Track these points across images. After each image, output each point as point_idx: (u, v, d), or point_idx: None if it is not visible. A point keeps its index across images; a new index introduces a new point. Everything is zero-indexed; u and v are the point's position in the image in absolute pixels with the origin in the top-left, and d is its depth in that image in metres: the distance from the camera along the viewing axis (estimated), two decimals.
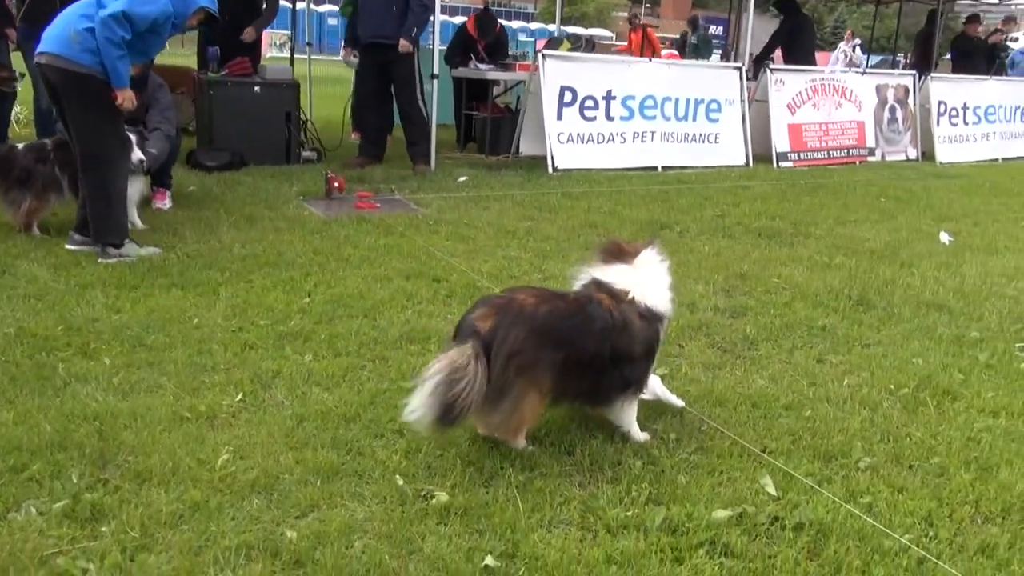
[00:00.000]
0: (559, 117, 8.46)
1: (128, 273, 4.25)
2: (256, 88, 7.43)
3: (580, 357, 2.56)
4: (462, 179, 7.59)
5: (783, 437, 2.84)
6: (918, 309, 4.43)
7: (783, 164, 9.77)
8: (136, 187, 5.08)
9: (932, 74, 11.37)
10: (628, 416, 2.75)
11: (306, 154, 7.89)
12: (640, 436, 2.78)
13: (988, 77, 12.02)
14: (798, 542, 2.21)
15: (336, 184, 6.45)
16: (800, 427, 2.93)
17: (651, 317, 2.68)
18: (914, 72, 11.45)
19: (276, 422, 2.73)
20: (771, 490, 2.45)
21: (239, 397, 2.90)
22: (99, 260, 4.45)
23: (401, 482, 2.38)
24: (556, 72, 8.40)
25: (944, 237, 6.25)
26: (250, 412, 2.81)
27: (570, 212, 6.45)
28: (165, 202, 5.83)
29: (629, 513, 2.28)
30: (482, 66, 8.96)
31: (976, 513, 2.43)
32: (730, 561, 2.11)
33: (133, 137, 4.97)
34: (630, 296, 2.66)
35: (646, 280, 2.72)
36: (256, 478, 2.38)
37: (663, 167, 8.91)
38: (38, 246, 4.68)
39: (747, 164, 9.54)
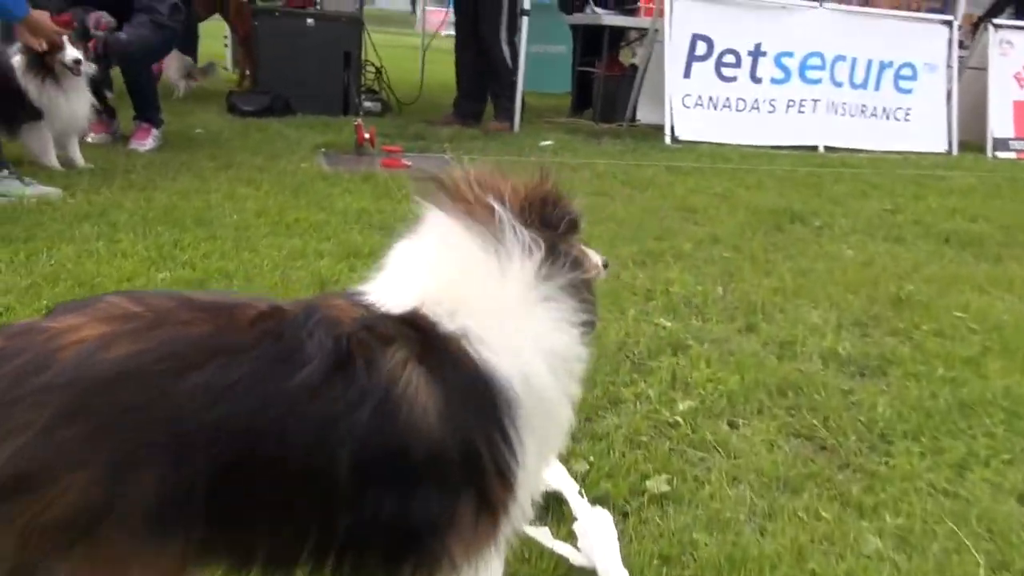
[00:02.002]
0: (686, 74, 6.57)
1: None
2: (309, 21, 6.20)
3: (258, 467, 0.93)
4: (545, 143, 5.97)
5: None
6: None
7: (1002, 154, 7.21)
8: (75, 105, 3.92)
9: None
10: None
11: (368, 105, 6.58)
12: None
13: None
14: None
15: (367, 136, 5.06)
16: None
17: (477, 374, 1.01)
18: None
19: None
20: None
21: None
22: None
23: None
24: (687, 16, 6.50)
25: None
26: None
27: (664, 191, 4.65)
28: (145, 142, 4.69)
29: None
30: (599, 10, 7.22)
31: None
32: None
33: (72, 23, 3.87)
34: (420, 313, 1.04)
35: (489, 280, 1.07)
36: None
37: (826, 147, 6.75)
38: None
39: (948, 151, 7.11)
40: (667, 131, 6.39)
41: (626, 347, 2.38)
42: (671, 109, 6.44)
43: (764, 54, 6.70)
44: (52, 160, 3.95)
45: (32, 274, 2.50)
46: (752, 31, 6.66)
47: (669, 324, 2.58)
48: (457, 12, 6.59)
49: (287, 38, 6.13)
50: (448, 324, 1.03)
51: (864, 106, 7.03)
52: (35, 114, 3.82)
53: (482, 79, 6.58)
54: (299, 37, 6.15)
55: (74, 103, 3.90)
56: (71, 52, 3.82)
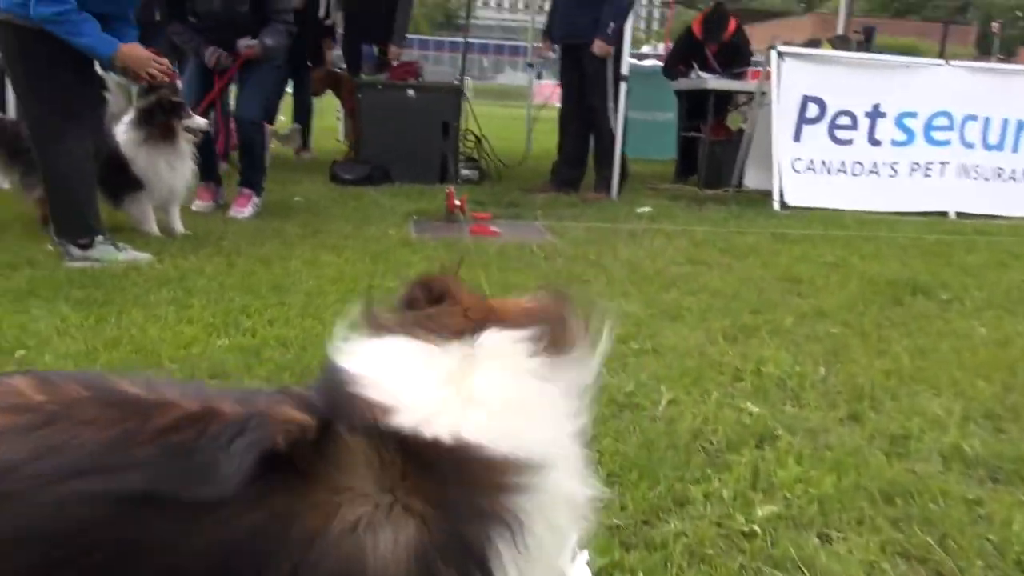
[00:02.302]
0: (796, 138, 6.22)
1: (70, 279, 3.17)
2: (410, 93, 6.34)
3: None
4: (642, 210, 5.75)
5: None
6: None
7: None
8: (175, 175, 4.07)
9: None
10: None
11: (466, 173, 6.61)
12: None
13: None
14: None
15: (458, 203, 5.02)
16: None
17: (463, 520, 0.78)
18: None
19: None
20: None
21: None
22: (65, 262, 3.46)
23: None
24: (796, 77, 6.20)
25: None
26: None
27: (767, 259, 4.31)
28: (244, 209, 4.83)
29: None
30: (703, 74, 7.02)
31: None
32: None
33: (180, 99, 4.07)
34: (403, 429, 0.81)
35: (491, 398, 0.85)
36: None
37: (957, 213, 6.17)
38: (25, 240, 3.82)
39: None
40: (775, 197, 6.05)
41: (702, 436, 2.09)
42: (780, 174, 6.10)
43: (883, 115, 6.26)
44: (152, 227, 4.10)
45: (95, 339, 2.50)
46: (870, 91, 6.25)
47: (756, 409, 2.27)
48: (562, 81, 6.59)
49: (388, 110, 6.29)
50: (443, 450, 0.81)
51: (1000, 169, 6.41)
52: (137, 185, 4.00)
53: (583, 147, 6.50)
54: (400, 108, 6.29)
55: (173, 173, 4.05)
56: (200, 120, 4.07)
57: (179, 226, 4.23)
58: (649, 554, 1.56)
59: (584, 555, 1.42)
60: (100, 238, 3.49)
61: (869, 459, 1.98)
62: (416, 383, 0.85)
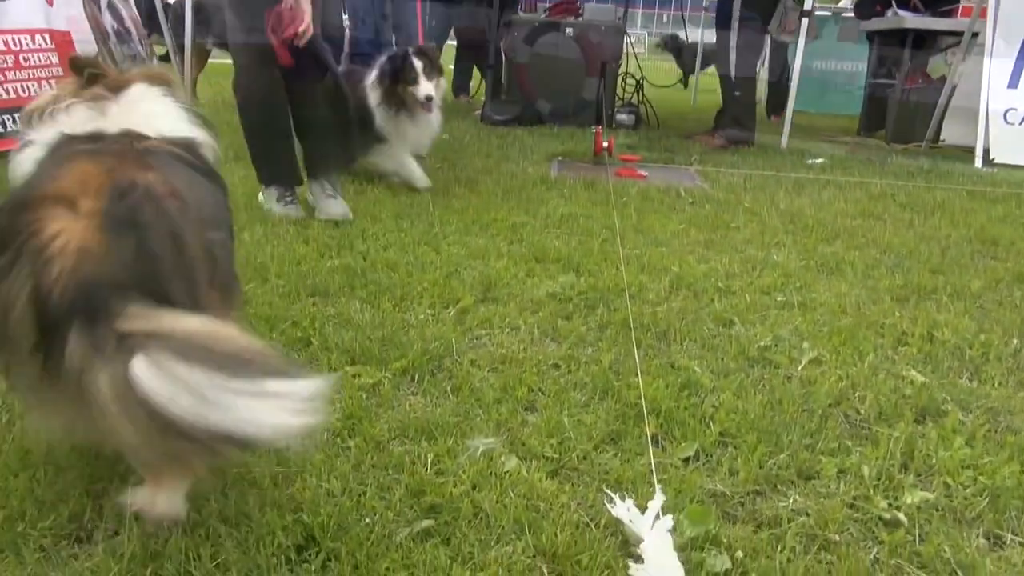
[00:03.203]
0: (1012, 83, 5.31)
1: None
2: (568, 31, 6.03)
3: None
4: (814, 160, 5.16)
5: None
6: None
7: None
8: (414, 131, 3.71)
9: None
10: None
11: (622, 117, 6.25)
12: None
13: None
14: None
15: (605, 145, 4.72)
16: None
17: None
18: None
19: None
20: None
21: None
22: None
23: None
24: (1020, 12, 5.26)
25: None
26: None
27: (957, 218, 3.68)
28: None
29: None
30: (903, 12, 6.16)
31: None
32: None
33: (418, 63, 3.57)
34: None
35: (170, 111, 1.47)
36: None
37: None
38: None
39: None
40: (979, 152, 5.22)
41: (846, 401, 1.73)
42: (986, 125, 5.25)
43: None
44: (409, 174, 3.73)
45: None
46: None
47: (922, 378, 1.87)
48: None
49: (544, 48, 6.03)
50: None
51: None
52: (378, 137, 3.69)
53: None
54: (554, 47, 6.02)
55: (411, 131, 3.72)
56: (423, 88, 3.56)
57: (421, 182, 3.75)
58: (756, 531, 1.27)
59: (667, 520, 1.17)
60: (271, 188, 3.14)
61: None
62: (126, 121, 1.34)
